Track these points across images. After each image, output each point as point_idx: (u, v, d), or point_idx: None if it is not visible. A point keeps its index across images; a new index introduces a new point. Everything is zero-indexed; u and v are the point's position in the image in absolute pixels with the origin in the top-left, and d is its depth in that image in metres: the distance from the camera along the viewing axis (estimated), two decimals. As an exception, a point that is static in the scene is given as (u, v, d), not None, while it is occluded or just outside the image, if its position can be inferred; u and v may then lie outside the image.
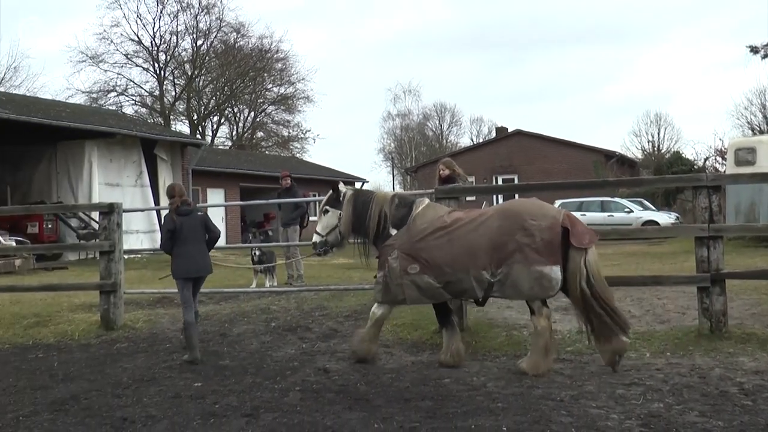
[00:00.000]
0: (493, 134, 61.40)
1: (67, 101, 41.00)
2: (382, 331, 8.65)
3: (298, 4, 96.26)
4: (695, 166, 39.22)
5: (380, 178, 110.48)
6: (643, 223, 29.52)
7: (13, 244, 20.44)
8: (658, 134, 68.49)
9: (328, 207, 7.66)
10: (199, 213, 8.37)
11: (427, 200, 7.56)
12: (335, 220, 7.56)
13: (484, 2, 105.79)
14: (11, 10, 77.32)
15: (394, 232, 7.24)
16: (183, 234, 7.99)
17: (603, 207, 32.07)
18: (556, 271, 6.62)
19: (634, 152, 64.43)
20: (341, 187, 7.71)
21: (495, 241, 6.75)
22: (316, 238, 7.65)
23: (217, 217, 33.96)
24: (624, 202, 32.53)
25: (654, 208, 33.92)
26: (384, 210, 7.35)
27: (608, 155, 48.82)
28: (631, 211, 31.30)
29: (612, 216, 31.09)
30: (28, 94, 39.94)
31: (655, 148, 66.58)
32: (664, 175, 30.12)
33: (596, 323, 6.68)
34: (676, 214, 32.78)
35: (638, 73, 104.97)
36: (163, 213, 9.56)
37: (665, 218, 30.74)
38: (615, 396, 5.65)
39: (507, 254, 6.67)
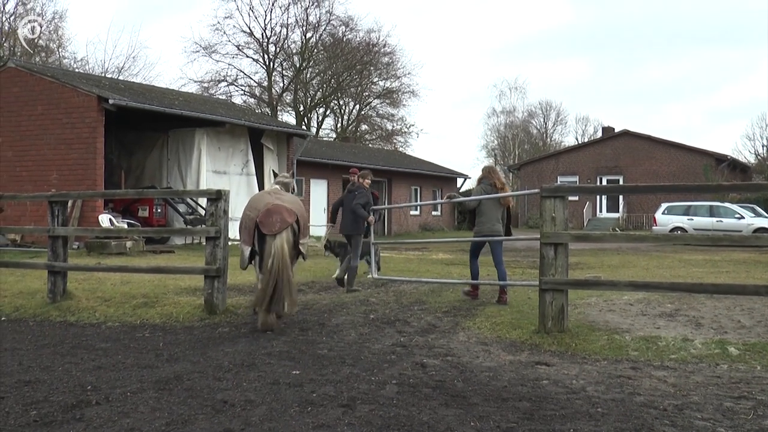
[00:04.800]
0: (599, 134, 60.12)
1: (180, 90, 42.23)
2: (481, 329, 8.62)
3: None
4: (814, 173, 37.39)
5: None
6: (754, 230, 28.38)
7: (125, 226, 21.26)
8: (774, 138, 65.85)
9: None
10: (358, 192, 12.48)
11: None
12: None
13: (605, 3, 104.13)
14: (135, 3, 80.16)
15: None
16: (344, 205, 12.66)
17: (712, 212, 30.91)
18: (246, 250, 9.15)
19: (747, 156, 62.22)
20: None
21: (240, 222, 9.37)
22: None
23: (320, 206, 34.67)
24: (734, 207, 31.26)
25: (767, 215, 32.53)
26: None
27: (719, 159, 47.17)
28: (742, 217, 30.08)
29: (721, 221, 29.97)
30: (144, 83, 41.34)
31: (771, 153, 64.03)
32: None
33: (275, 293, 8.59)
34: (791, 223, 31.32)
35: (760, 76, 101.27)
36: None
37: (779, 226, 29.43)
38: (722, 409, 5.42)
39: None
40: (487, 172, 11.23)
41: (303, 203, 10.54)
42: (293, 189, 11.39)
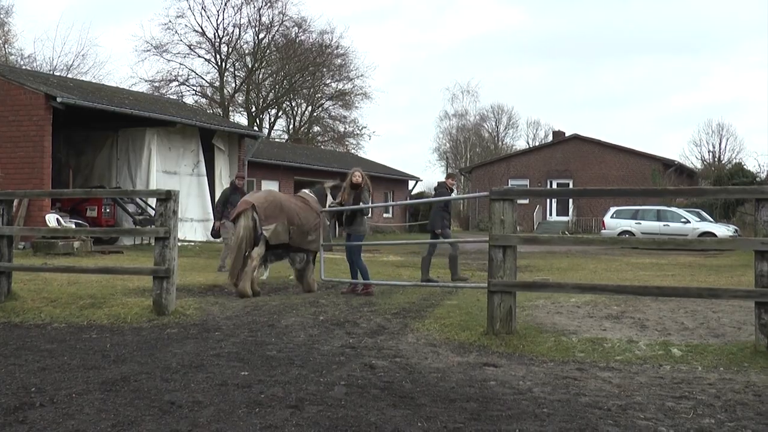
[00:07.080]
0: (550, 138, 60.83)
1: (131, 89, 41.71)
2: (430, 330, 8.66)
3: (367, 4, 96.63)
4: (758, 179, 38.34)
5: (434, 178, 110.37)
6: (699, 235, 28.97)
7: (73, 226, 20.93)
8: (720, 144, 67.43)
9: None
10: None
11: None
12: None
13: (561, 11, 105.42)
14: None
15: None
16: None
17: (659, 216, 31.52)
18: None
19: (694, 162, 63.50)
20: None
21: None
22: None
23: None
24: (681, 212, 31.93)
25: (712, 219, 33.25)
26: None
27: (667, 164, 48.08)
28: (688, 222, 30.71)
29: (668, 225, 30.58)
30: (94, 81, 40.74)
31: (716, 159, 65.49)
32: (727, 186, 29.43)
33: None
34: (735, 227, 32.07)
35: (707, 84, 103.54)
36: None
37: (723, 230, 30.10)
38: (664, 408, 5.53)
39: None
40: (360, 181, 12.46)
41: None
42: (325, 193, 12.99)
